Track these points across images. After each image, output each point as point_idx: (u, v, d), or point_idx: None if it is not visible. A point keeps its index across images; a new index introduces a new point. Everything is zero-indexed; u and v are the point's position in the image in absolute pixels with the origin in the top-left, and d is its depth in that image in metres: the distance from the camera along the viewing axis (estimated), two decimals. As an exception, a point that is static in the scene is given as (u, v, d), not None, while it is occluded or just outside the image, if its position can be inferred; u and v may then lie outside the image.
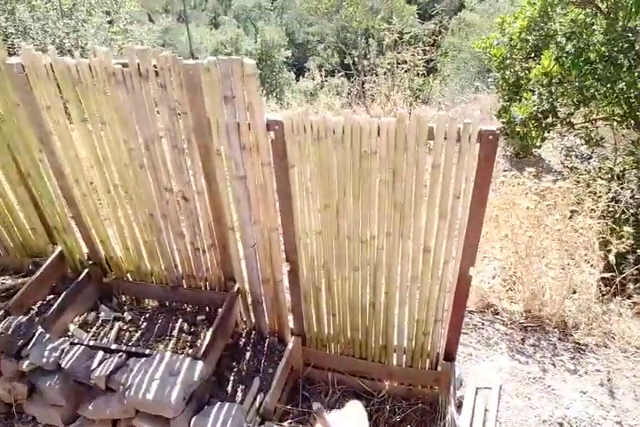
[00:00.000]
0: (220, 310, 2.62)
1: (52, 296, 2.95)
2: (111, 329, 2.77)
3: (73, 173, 2.65)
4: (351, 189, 2.12)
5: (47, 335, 2.54)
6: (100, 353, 2.44)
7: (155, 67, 2.16)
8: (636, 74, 3.84)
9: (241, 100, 2.09)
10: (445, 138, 1.89)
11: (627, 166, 4.45)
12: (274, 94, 13.34)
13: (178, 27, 25.97)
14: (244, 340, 2.81)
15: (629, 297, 3.20)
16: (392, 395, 2.65)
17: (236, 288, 2.71)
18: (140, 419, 2.29)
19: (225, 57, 2.04)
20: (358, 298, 2.45)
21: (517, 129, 4.48)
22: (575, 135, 5.03)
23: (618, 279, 3.23)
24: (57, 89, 2.38)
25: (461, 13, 18.73)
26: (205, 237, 2.61)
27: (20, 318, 2.57)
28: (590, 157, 4.94)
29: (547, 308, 3.22)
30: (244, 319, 2.87)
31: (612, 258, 3.13)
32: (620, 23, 3.91)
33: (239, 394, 2.49)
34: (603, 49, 3.96)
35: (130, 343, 2.67)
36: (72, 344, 2.49)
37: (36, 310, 2.87)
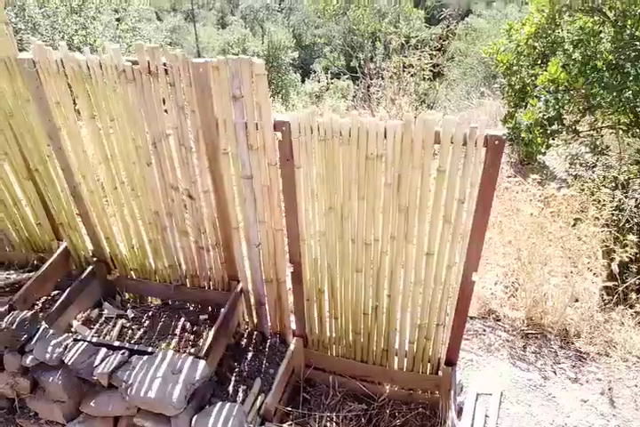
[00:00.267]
0: (222, 309, 2.63)
1: (56, 292, 2.97)
2: (114, 326, 2.78)
3: (80, 170, 2.67)
4: (356, 191, 2.13)
5: (51, 331, 2.55)
6: (103, 350, 2.44)
7: (164, 65, 2.17)
8: (643, 82, 3.84)
9: (249, 99, 2.10)
10: (452, 142, 1.90)
11: (632, 175, 4.44)
12: (279, 96, 13.36)
13: (185, 26, 26.07)
14: (245, 340, 2.82)
15: (632, 306, 3.20)
16: (392, 399, 2.65)
17: (239, 288, 2.72)
18: (142, 417, 2.29)
19: (234, 56, 2.05)
20: (361, 301, 2.45)
21: (523, 135, 4.48)
22: (580, 143, 5.03)
23: (621, 288, 3.23)
24: (67, 85, 2.40)
25: (469, 19, 18.76)
26: (210, 236, 2.62)
27: (24, 313, 2.57)
28: (595, 166, 4.94)
29: (548, 315, 3.21)
30: (247, 319, 2.88)
31: (615, 267, 3.12)
32: (628, 31, 3.91)
33: (240, 394, 2.49)
34: (610, 57, 3.96)
35: (132, 341, 2.68)
36: (75, 340, 2.50)
37: (40, 305, 2.89)
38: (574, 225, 3.40)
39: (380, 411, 2.60)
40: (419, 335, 2.46)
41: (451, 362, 2.47)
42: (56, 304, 2.69)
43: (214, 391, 2.48)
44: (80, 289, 2.83)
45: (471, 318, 3.27)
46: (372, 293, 2.40)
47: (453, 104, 10.39)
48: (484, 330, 3.22)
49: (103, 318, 2.85)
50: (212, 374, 2.48)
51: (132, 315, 2.88)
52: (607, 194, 3.62)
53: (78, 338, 2.53)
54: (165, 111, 2.31)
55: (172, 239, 2.73)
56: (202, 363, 2.33)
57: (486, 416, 2.56)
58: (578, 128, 4.60)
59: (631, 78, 3.83)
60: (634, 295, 3.27)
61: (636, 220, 3.93)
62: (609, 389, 2.82)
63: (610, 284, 3.25)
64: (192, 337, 2.71)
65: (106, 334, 2.73)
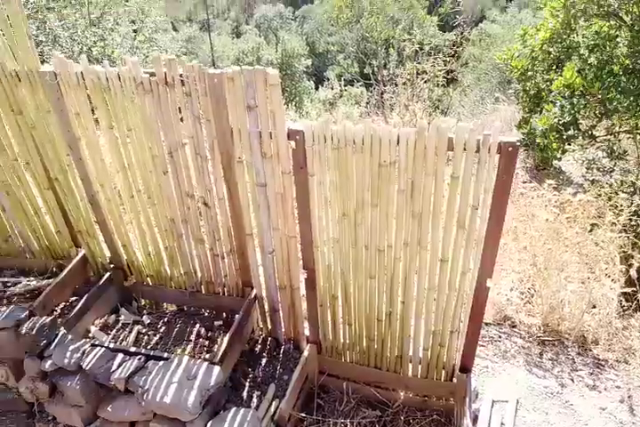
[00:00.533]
0: (237, 315, 2.65)
1: (74, 298, 3.02)
2: (130, 332, 2.82)
3: (98, 179, 2.73)
4: (370, 198, 2.14)
5: (69, 336, 2.60)
6: (120, 355, 2.48)
7: (180, 76, 2.22)
8: (661, 87, 3.80)
9: (264, 109, 2.14)
10: (465, 149, 1.90)
11: (650, 180, 4.37)
12: (293, 103, 13.45)
13: (200, 35, 26.44)
14: (259, 346, 2.83)
15: (651, 313, 3.15)
16: (407, 406, 2.64)
17: (253, 295, 2.74)
18: (158, 422, 2.32)
19: (249, 67, 2.09)
20: (374, 307, 2.46)
21: (538, 140, 4.45)
22: (597, 148, 4.98)
23: (639, 294, 3.18)
24: (86, 96, 2.47)
25: (482, 24, 18.73)
26: (225, 243, 2.65)
27: (43, 318, 2.63)
28: (612, 171, 4.87)
29: (565, 322, 3.18)
30: (261, 326, 2.90)
31: (633, 272, 3.08)
32: (645, 36, 3.88)
33: (254, 400, 2.50)
34: (627, 61, 3.93)
35: (148, 347, 2.71)
36: (93, 346, 2.55)
37: (59, 311, 2.94)
38: (591, 231, 3.35)
39: (395, 418, 2.59)
40: (433, 342, 2.45)
41: (466, 369, 2.45)
42: (74, 310, 2.74)
43: (229, 397, 2.50)
44: (97, 295, 2.89)
45: (486, 324, 3.24)
46: (386, 299, 2.41)
47: (467, 110, 10.35)
48: (500, 336, 3.19)
49: (120, 324, 2.89)
50: (227, 379, 2.50)
51: (148, 321, 2.92)
52: (625, 199, 3.57)
53: (96, 343, 2.57)
54: (181, 120, 2.36)
55: (188, 246, 2.77)
56: (216, 369, 2.35)
57: (502, 424, 2.53)
58: (594, 133, 4.55)
59: (648, 82, 3.79)
60: (653, 302, 3.22)
61: (654, 225, 3.86)
62: (628, 396, 2.77)
63: (628, 290, 3.20)
64: (207, 343, 2.74)
65: (122, 340, 2.76)
